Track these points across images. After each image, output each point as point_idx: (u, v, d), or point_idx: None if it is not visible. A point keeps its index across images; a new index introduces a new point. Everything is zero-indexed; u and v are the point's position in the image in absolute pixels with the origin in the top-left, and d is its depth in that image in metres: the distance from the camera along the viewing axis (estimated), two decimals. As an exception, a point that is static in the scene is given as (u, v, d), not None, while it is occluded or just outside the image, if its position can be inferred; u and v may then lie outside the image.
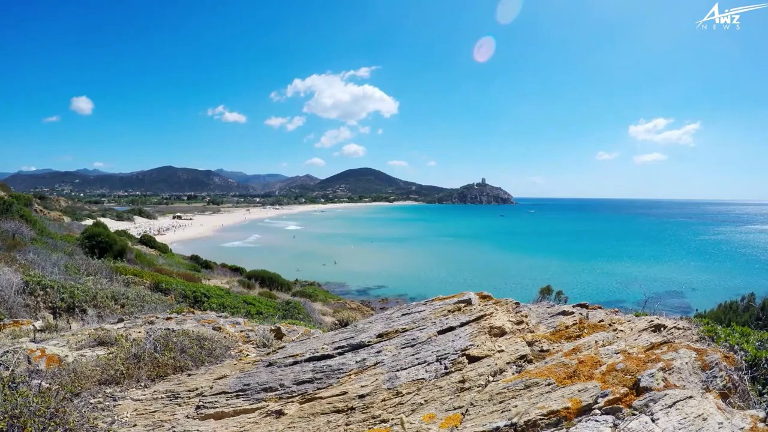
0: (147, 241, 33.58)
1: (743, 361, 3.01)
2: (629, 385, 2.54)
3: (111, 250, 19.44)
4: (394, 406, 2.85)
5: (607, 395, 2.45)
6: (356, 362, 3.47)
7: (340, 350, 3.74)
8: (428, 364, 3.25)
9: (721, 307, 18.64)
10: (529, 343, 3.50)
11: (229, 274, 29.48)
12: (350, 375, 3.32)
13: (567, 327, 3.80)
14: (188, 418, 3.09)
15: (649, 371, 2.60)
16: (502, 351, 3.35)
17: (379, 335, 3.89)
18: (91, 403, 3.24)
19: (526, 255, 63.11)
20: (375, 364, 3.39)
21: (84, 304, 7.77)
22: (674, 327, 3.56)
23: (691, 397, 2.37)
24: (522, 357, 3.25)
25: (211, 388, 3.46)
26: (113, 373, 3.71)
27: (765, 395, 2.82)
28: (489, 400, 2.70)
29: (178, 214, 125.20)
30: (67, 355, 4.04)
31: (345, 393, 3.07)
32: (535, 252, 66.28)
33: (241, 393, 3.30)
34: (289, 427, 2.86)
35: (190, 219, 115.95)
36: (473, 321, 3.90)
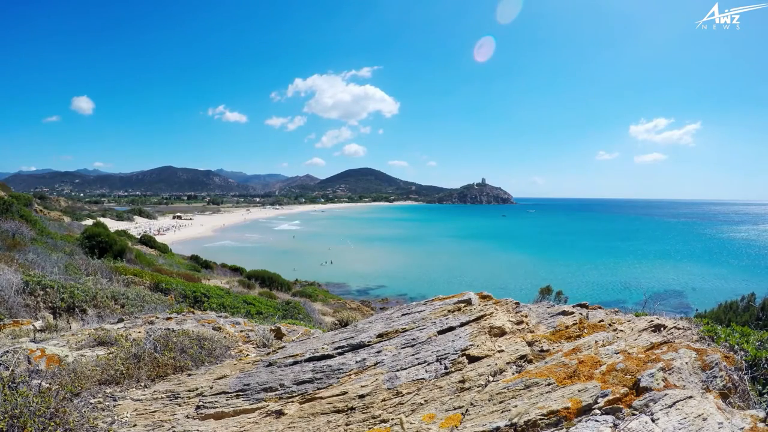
0: (147, 241, 33.59)
1: (743, 361, 3.01)
2: (629, 385, 2.54)
3: (111, 250, 19.44)
4: (394, 406, 2.85)
5: (607, 395, 2.45)
6: (356, 362, 3.47)
7: (340, 350, 3.74)
8: (428, 364, 3.25)
9: (721, 307, 18.66)
10: (529, 343, 3.50)
11: (229, 274, 29.48)
12: (350, 375, 3.31)
13: (567, 327, 3.80)
14: (188, 418, 3.09)
15: (649, 371, 2.60)
16: (502, 351, 3.35)
17: (379, 335, 3.89)
18: (91, 403, 3.24)
19: (526, 255, 63.15)
20: (375, 364, 3.39)
21: (84, 304, 7.77)
22: (674, 327, 3.56)
23: (691, 397, 2.37)
24: (522, 357, 3.25)
25: (211, 388, 3.46)
26: (113, 373, 3.71)
27: (765, 395, 2.82)
28: (489, 400, 2.70)
29: (178, 214, 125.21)
30: (67, 355, 4.04)
31: (345, 393, 3.07)
32: (535, 252, 66.31)
33: (241, 393, 3.30)
34: (289, 427, 2.86)
35: (190, 219, 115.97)
36: (473, 321, 3.90)
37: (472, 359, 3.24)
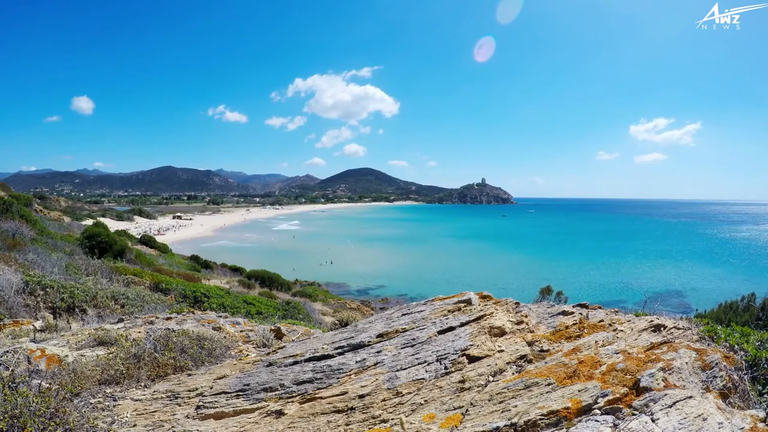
0: (147, 241, 33.59)
1: (743, 361, 3.01)
2: (629, 385, 2.54)
3: (111, 250, 19.45)
4: (394, 406, 2.85)
5: (607, 395, 2.45)
6: (356, 362, 3.46)
7: (340, 350, 3.74)
8: (428, 364, 3.25)
9: (721, 307, 18.66)
10: (529, 343, 3.50)
11: (229, 274, 29.48)
12: (350, 375, 3.31)
13: (567, 327, 3.80)
14: (188, 418, 3.09)
15: (649, 371, 2.60)
16: (502, 351, 3.34)
17: (379, 335, 3.89)
18: (91, 403, 3.24)
19: (526, 255, 63.15)
20: (375, 364, 3.39)
21: (84, 304, 7.77)
22: (674, 327, 3.56)
23: (691, 397, 2.37)
24: (522, 357, 3.25)
25: (211, 388, 3.46)
26: (113, 373, 3.71)
27: (765, 395, 2.81)
28: (489, 400, 2.70)
29: (178, 214, 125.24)
30: (67, 355, 4.04)
31: (345, 393, 3.07)
32: (535, 252, 66.32)
33: (241, 393, 3.30)
34: (289, 427, 2.86)
35: (190, 219, 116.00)
36: (473, 321, 3.89)
37: (472, 359, 3.24)
